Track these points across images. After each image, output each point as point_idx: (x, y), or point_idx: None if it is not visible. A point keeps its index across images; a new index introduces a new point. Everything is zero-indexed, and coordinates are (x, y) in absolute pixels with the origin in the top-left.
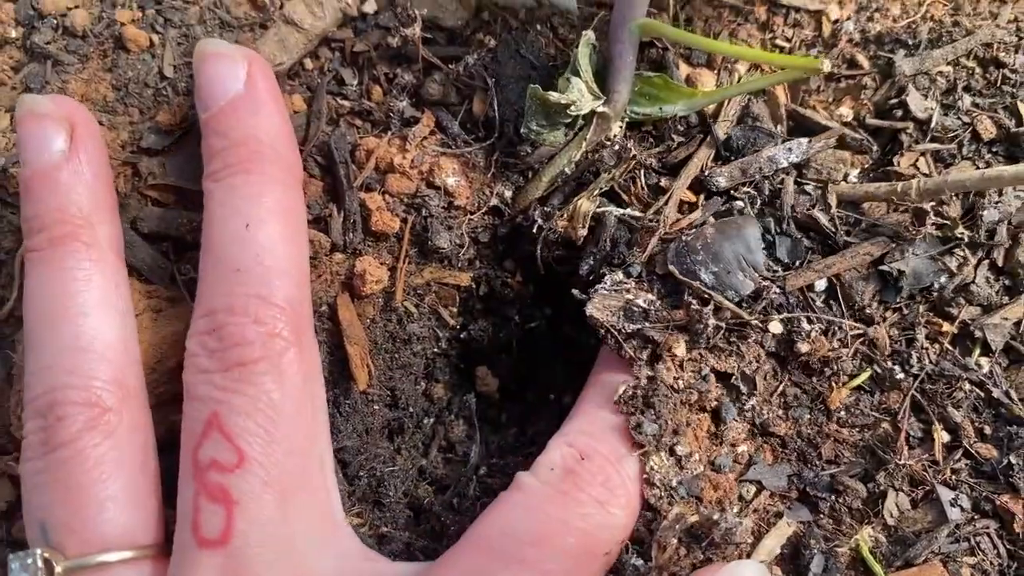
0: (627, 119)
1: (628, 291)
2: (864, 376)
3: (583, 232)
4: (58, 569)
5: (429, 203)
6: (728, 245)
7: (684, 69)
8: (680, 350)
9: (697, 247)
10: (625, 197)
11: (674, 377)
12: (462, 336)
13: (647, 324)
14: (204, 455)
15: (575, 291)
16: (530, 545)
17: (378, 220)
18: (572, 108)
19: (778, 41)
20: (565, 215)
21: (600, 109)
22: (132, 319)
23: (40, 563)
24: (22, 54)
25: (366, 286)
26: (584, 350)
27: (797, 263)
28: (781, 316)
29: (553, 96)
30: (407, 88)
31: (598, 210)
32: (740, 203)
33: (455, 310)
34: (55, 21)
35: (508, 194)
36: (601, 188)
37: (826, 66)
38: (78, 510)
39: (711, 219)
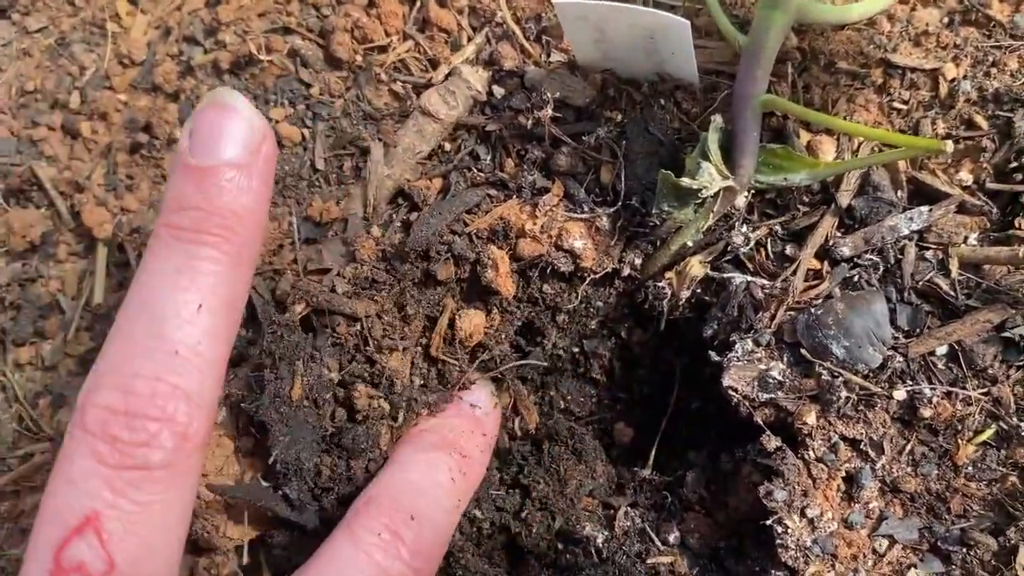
0: (752, 189)
1: (760, 361)
2: (989, 432)
3: (686, 293)
4: None
5: (557, 264)
6: (858, 320)
7: (804, 136)
8: (811, 419)
9: (828, 322)
10: (750, 265)
11: (804, 445)
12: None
13: (780, 394)
14: (70, 555)
15: (712, 353)
16: None
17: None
18: (703, 191)
19: (895, 104)
20: (674, 272)
21: (727, 183)
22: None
23: None
24: None
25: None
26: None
27: (918, 330)
28: (905, 385)
29: (685, 181)
30: (537, 162)
31: (723, 276)
32: (864, 272)
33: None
34: None
35: (638, 262)
36: (716, 255)
37: (949, 148)
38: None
39: (837, 290)
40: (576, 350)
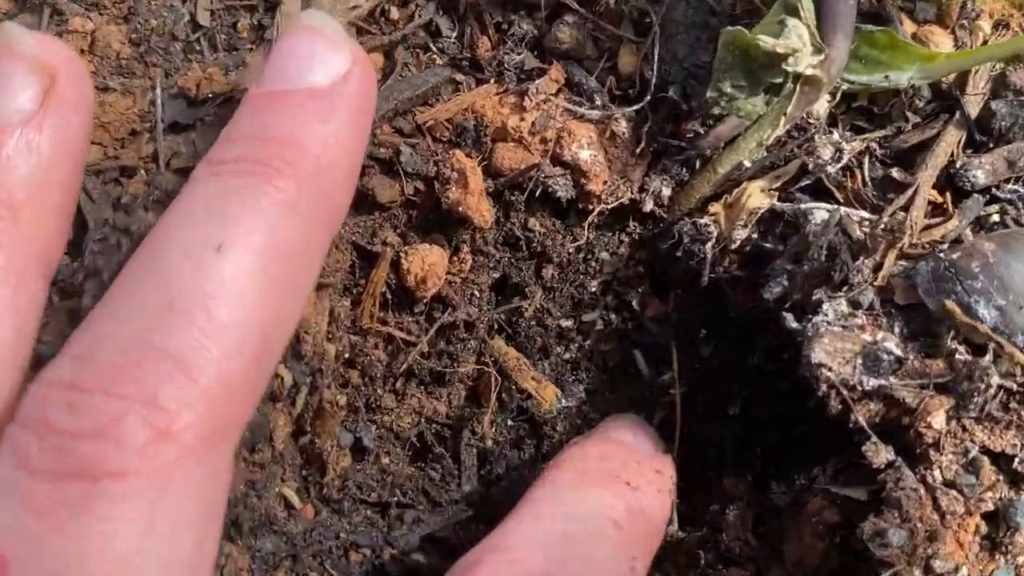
0: (838, 91)
1: (863, 329)
2: None
3: (742, 233)
4: None
5: (552, 185)
6: (1019, 267)
7: (909, 26)
8: (938, 420)
9: (972, 269)
10: (839, 194)
11: (926, 460)
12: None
13: (893, 380)
14: None
15: (788, 316)
16: None
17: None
18: (790, 61)
19: None
20: (722, 204)
21: (811, 72)
22: (28, 343)
23: None
24: (8, 2)
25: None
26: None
27: None
28: None
29: (766, 43)
30: (525, 39)
31: (799, 207)
32: (1007, 207)
33: None
34: None
35: (666, 192)
36: (785, 181)
37: None
38: None
39: (969, 233)
40: (566, 324)
